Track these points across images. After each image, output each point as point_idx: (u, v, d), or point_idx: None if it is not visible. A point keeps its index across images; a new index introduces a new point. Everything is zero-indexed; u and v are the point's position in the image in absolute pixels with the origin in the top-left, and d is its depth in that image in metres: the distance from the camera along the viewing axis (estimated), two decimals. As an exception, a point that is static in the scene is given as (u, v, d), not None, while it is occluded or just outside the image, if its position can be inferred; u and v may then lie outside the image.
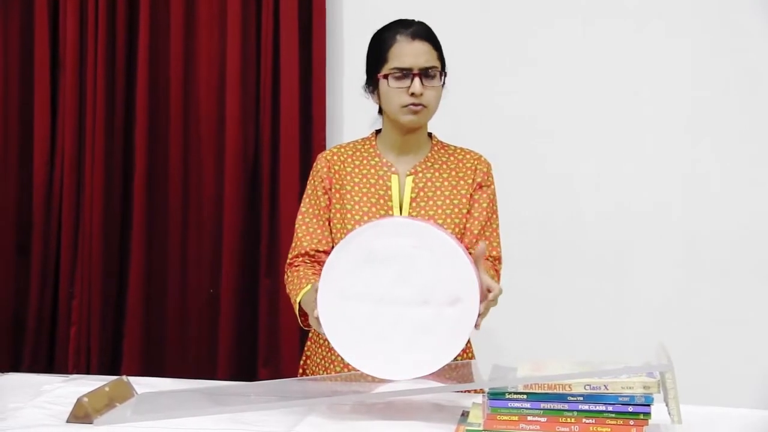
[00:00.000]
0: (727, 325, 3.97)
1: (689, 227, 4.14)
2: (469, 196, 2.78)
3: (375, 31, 2.81)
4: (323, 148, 2.91)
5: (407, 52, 2.66)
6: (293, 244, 2.77)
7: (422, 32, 2.70)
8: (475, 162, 2.82)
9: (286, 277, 2.76)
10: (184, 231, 4.21)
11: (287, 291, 2.72)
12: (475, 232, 2.76)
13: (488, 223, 2.78)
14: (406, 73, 2.66)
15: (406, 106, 2.67)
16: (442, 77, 2.71)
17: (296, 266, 2.72)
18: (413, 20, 2.73)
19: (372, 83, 2.73)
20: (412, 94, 2.65)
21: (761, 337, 3.89)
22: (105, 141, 4.18)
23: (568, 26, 4.26)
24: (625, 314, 4.07)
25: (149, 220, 4.20)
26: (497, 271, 2.75)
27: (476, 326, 2.35)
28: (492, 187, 2.82)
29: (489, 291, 2.35)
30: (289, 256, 2.77)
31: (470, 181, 2.79)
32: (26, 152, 4.24)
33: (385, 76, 2.67)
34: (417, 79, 2.65)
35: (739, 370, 3.81)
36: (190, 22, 4.20)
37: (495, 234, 2.80)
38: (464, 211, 2.77)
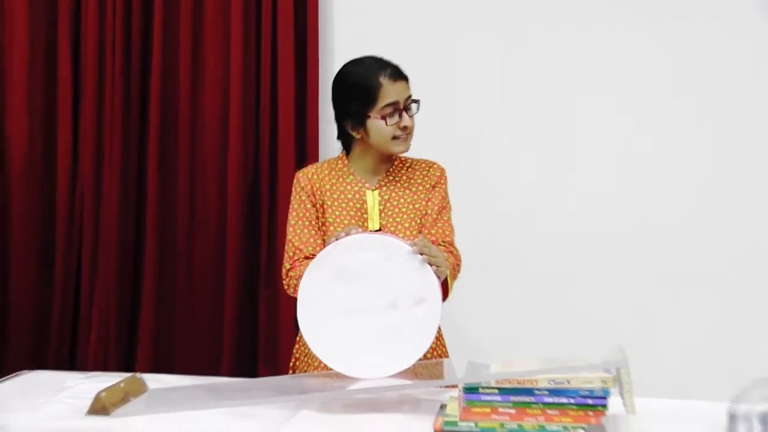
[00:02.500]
0: (681, 325, 3.97)
1: (647, 236, 4.13)
2: (427, 199, 2.86)
3: (350, 66, 2.86)
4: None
5: (393, 93, 2.74)
6: (289, 255, 2.79)
7: (400, 73, 2.78)
8: (429, 169, 2.91)
9: (288, 281, 2.77)
10: (191, 247, 4.26)
11: (292, 291, 2.71)
12: (430, 221, 2.83)
13: (440, 215, 2.85)
14: (394, 110, 2.73)
15: (397, 137, 2.76)
16: (418, 106, 2.81)
17: (297, 266, 2.73)
18: (387, 61, 2.80)
19: (359, 122, 2.77)
20: (404, 128, 2.76)
21: (714, 336, 3.88)
22: (121, 164, 4.22)
23: (526, 28, 4.21)
24: (586, 317, 4.06)
25: (160, 238, 4.25)
26: (451, 252, 2.78)
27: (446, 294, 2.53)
28: (444, 185, 2.91)
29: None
30: (286, 266, 2.78)
31: (427, 186, 2.88)
32: (50, 176, 4.28)
33: (381, 117, 2.73)
34: (405, 114, 2.76)
35: (692, 366, 3.82)
36: (197, 52, 4.25)
37: (447, 224, 2.87)
38: (424, 212, 2.85)
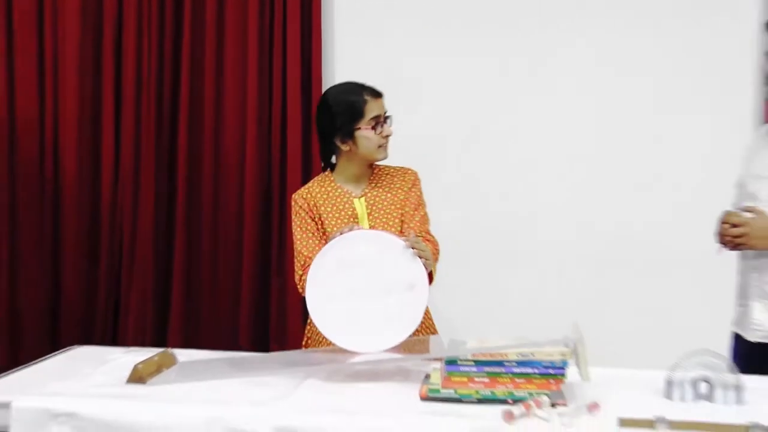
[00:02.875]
0: (630, 304, 3.97)
1: (597, 227, 4.10)
2: (405, 199, 2.87)
3: (333, 95, 2.87)
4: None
5: (376, 108, 2.79)
6: (300, 263, 2.78)
7: (378, 91, 2.83)
8: (405, 174, 2.92)
9: (301, 284, 2.71)
10: (214, 242, 4.25)
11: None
12: (409, 216, 2.85)
13: (417, 211, 2.87)
14: (377, 122, 2.78)
15: (381, 145, 2.81)
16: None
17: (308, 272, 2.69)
18: (364, 84, 2.84)
19: (347, 135, 2.78)
20: (386, 136, 2.81)
21: (657, 313, 3.88)
22: (155, 174, 4.21)
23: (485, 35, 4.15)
24: (549, 299, 4.06)
25: (188, 235, 4.24)
26: (428, 240, 2.79)
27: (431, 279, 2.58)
28: (418, 186, 2.92)
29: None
30: (299, 272, 2.77)
31: (405, 188, 2.89)
32: (95, 186, 4.27)
33: (369, 128, 2.77)
34: (386, 124, 2.81)
35: (638, 340, 3.80)
36: (219, 77, 4.21)
37: (424, 217, 2.89)
38: (404, 210, 2.86)
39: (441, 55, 4.16)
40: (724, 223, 2.62)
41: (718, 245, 2.67)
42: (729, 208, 2.73)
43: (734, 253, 2.72)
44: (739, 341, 2.75)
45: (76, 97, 4.20)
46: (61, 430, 2.06)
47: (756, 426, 1.93)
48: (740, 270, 2.76)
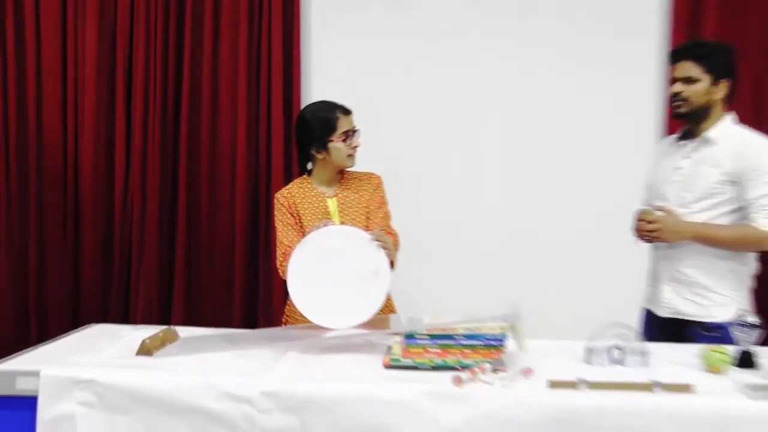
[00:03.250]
0: (560, 285, 3.97)
1: (531, 223, 4.09)
2: (370, 199, 2.86)
3: (309, 111, 2.86)
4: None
5: (346, 123, 2.80)
6: (281, 251, 2.75)
7: (348, 109, 2.83)
8: (370, 178, 2.92)
9: (282, 269, 2.69)
10: (211, 235, 4.19)
11: (285, 275, 2.61)
12: (374, 214, 2.84)
13: (380, 209, 2.87)
14: (347, 135, 2.78)
15: (350, 155, 2.81)
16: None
17: (287, 259, 2.65)
18: (336, 103, 2.82)
19: (321, 145, 2.78)
20: (355, 147, 2.81)
21: (583, 291, 3.87)
22: (160, 174, 4.16)
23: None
24: (492, 280, 4.01)
25: (188, 230, 4.17)
26: (390, 233, 2.79)
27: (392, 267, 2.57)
28: (381, 187, 2.91)
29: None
30: (280, 259, 2.75)
31: (370, 190, 2.88)
32: (110, 187, 4.21)
33: (340, 140, 2.77)
34: (354, 137, 2.81)
35: (567, 315, 3.70)
36: (215, 98, 4.15)
37: (386, 215, 2.88)
38: (370, 209, 2.85)
39: (393, 74, 4.15)
40: (640, 220, 2.66)
41: (635, 238, 2.70)
42: (642, 206, 2.78)
43: (643, 245, 2.77)
44: (649, 316, 2.80)
45: (93, 116, 4.14)
46: (81, 395, 2.06)
47: (656, 383, 1.97)
48: (652, 258, 2.81)
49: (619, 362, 2.22)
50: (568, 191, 4.04)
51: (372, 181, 2.91)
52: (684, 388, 1.96)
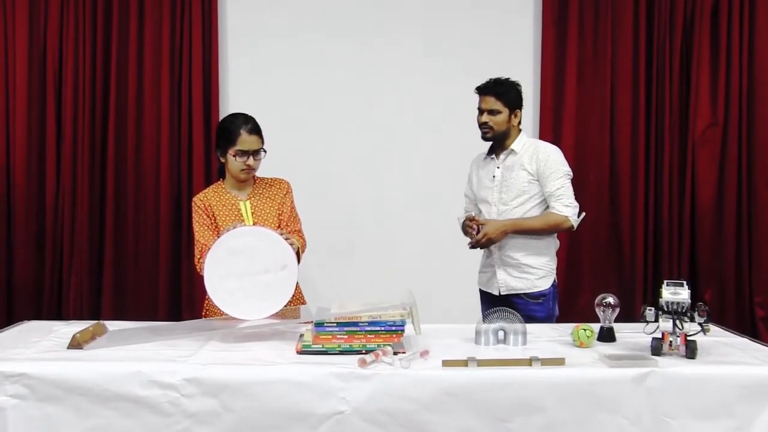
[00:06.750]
0: (450, 276, 4.01)
1: (420, 223, 4.22)
2: (282, 203, 2.86)
3: (225, 116, 2.89)
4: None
5: (247, 143, 2.74)
6: (198, 249, 2.74)
7: (256, 128, 2.77)
8: (279, 184, 2.91)
9: (199, 265, 2.69)
10: (136, 233, 4.16)
11: (202, 270, 2.58)
12: (285, 217, 2.84)
13: (291, 213, 2.88)
14: (244, 153, 2.74)
15: (243, 170, 2.77)
16: (264, 153, 2.80)
17: (204, 256, 2.65)
18: (251, 119, 2.78)
19: (222, 153, 2.78)
20: (248, 166, 2.76)
21: (461, 283, 3.75)
22: (89, 178, 4.10)
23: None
24: (391, 272, 4.12)
25: (116, 229, 4.14)
26: (300, 236, 2.83)
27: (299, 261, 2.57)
28: (291, 193, 2.91)
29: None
30: (197, 256, 2.74)
31: (281, 194, 2.88)
32: (41, 188, 4.13)
33: (234, 155, 2.74)
34: (251, 157, 2.75)
35: (457, 300, 3.67)
36: (140, 107, 4.13)
37: (296, 218, 2.89)
38: (281, 212, 2.85)
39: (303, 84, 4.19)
40: (467, 226, 2.97)
41: (469, 245, 2.97)
42: (465, 213, 3.10)
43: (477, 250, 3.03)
44: (486, 296, 3.11)
45: (24, 124, 4.04)
46: (13, 388, 2.00)
47: (536, 359, 2.06)
48: (485, 249, 3.07)
49: (503, 342, 2.31)
50: (439, 197, 4.12)
51: (282, 187, 2.89)
52: (558, 362, 2.06)
